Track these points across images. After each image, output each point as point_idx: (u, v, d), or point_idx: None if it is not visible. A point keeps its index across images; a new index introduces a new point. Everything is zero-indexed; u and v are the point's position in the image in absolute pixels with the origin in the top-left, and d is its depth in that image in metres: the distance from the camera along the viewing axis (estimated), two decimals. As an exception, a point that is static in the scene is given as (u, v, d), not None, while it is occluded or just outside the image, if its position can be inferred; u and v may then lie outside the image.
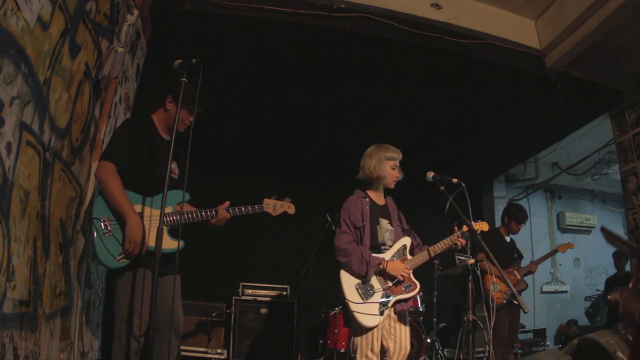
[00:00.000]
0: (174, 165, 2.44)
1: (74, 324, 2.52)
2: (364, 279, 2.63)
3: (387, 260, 2.70)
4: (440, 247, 2.80)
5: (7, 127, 1.65)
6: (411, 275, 2.78)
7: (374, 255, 2.70)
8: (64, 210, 2.32)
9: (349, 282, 2.65)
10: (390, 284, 2.69)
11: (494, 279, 4.00)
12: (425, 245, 2.91)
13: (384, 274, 2.68)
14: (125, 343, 2.19)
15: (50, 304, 2.16)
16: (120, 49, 2.92)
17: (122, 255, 2.17)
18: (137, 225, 2.17)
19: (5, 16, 1.57)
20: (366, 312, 2.57)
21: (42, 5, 1.82)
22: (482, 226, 2.91)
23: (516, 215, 4.43)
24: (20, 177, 1.77)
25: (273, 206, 2.69)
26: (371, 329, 2.60)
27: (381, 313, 2.60)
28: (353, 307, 2.56)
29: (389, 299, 2.64)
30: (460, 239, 2.79)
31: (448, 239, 2.81)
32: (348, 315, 2.68)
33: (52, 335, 2.17)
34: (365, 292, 2.62)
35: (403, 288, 2.71)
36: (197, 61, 2.14)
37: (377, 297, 2.63)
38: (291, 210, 2.76)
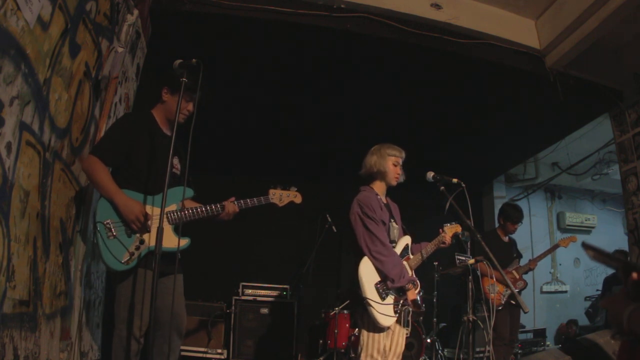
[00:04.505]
0: (175, 161, 2.42)
1: (74, 324, 2.52)
2: (387, 283, 2.61)
3: (411, 285, 2.70)
4: (430, 247, 2.86)
5: (7, 127, 1.65)
6: (413, 274, 2.82)
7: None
8: (64, 210, 2.32)
9: (368, 279, 2.61)
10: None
11: (492, 280, 3.99)
12: (418, 244, 2.95)
13: (400, 288, 2.68)
14: (125, 344, 2.18)
15: (50, 304, 2.16)
16: (120, 49, 2.92)
17: (128, 257, 2.16)
18: (126, 201, 2.17)
19: (5, 16, 1.57)
20: (384, 312, 2.57)
21: (42, 5, 1.82)
22: (456, 228, 2.96)
23: (511, 216, 4.41)
24: (20, 177, 1.77)
25: (279, 196, 2.61)
26: (386, 329, 2.62)
27: (396, 312, 2.62)
28: (374, 305, 2.55)
29: (401, 299, 2.66)
30: (446, 238, 2.87)
31: (436, 239, 2.88)
32: (360, 313, 2.66)
33: (52, 335, 2.17)
34: (383, 291, 2.62)
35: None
36: (197, 61, 2.15)
37: (392, 299, 2.64)
38: (298, 199, 2.66)
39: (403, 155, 2.89)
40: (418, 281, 2.81)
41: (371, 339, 2.61)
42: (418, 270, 2.86)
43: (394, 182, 2.88)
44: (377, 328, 2.60)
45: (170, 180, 2.10)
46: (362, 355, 2.61)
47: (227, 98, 4.82)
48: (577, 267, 8.11)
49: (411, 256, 2.83)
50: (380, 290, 2.61)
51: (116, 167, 2.31)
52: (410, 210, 3.18)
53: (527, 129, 5.49)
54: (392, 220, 2.86)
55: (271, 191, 2.61)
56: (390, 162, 2.84)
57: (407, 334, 2.78)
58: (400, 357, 2.74)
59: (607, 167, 6.86)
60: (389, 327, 2.64)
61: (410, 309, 2.71)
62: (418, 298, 2.76)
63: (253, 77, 4.62)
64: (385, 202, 2.93)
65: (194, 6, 3.55)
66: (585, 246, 1.30)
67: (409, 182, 2.98)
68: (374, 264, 2.62)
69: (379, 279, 2.62)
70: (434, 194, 2.91)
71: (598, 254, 1.28)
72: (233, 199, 2.48)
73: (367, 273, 2.62)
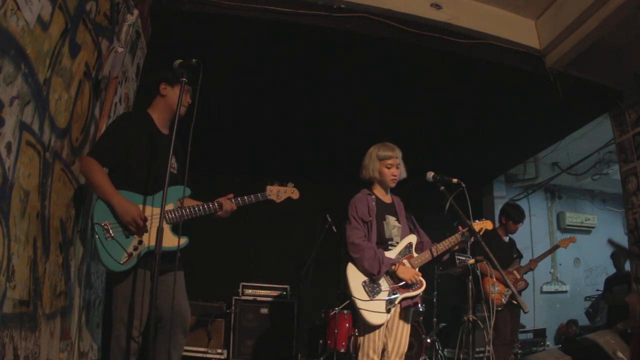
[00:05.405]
0: (172, 160, 2.42)
1: (74, 324, 2.52)
2: (373, 277, 2.61)
3: (399, 264, 2.68)
4: (443, 246, 2.80)
5: (7, 127, 1.65)
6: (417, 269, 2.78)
7: (386, 254, 2.68)
8: (64, 210, 2.32)
9: (355, 279, 2.62)
10: (397, 284, 2.66)
11: (493, 280, 3.99)
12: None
13: (392, 275, 2.67)
14: (122, 344, 2.18)
15: (50, 304, 2.16)
16: (120, 49, 2.92)
17: (127, 258, 2.15)
18: (123, 203, 2.16)
19: (5, 16, 1.57)
20: (373, 309, 2.56)
21: (42, 5, 1.82)
22: (486, 224, 2.91)
23: (513, 215, 4.42)
24: (20, 177, 1.77)
25: (276, 193, 2.60)
26: (377, 327, 2.60)
27: (388, 311, 2.59)
28: (359, 304, 2.55)
29: (396, 296, 2.63)
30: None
31: (452, 237, 2.80)
32: (355, 313, 2.68)
33: (52, 335, 2.17)
34: (372, 289, 2.60)
35: (409, 285, 2.70)
36: (197, 61, 2.15)
37: (384, 295, 2.61)
38: (295, 195, 2.65)
39: (397, 153, 2.85)
40: (405, 262, 2.74)
41: (366, 339, 2.61)
42: (422, 269, 2.83)
43: (390, 184, 2.87)
44: (369, 327, 2.59)
45: (169, 179, 2.10)
46: (359, 354, 2.62)
47: (227, 98, 4.82)
48: (577, 267, 8.11)
49: (415, 254, 2.79)
50: (368, 289, 2.60)
51: (113, 167, 2.30)
52: (410, 210, 3.17)
53: (527, 129, 5.49)
54: (393, 218, 2.84)
55: (268, 187, 2.60)
56: (383, 166, 2.83)
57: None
58: (403, 357, 2.72)
59: (607, 167, 6.86)
60: (381, 325, 2.60)
61: (414, 308, 2.71)
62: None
63: (253, 77, 4.62)
64: (390, 201, 2.91)
65: (194, 6, 3.55)
66: (611, 242, 1.37)
67: (409, 182, 2.98)
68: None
69: (365, 278, 2.63)
70: (434, 194, 2.90)
71: (621, 249, 1.35)
72: (231, 195, 2.48)
73: (354, 273, 2.64)
